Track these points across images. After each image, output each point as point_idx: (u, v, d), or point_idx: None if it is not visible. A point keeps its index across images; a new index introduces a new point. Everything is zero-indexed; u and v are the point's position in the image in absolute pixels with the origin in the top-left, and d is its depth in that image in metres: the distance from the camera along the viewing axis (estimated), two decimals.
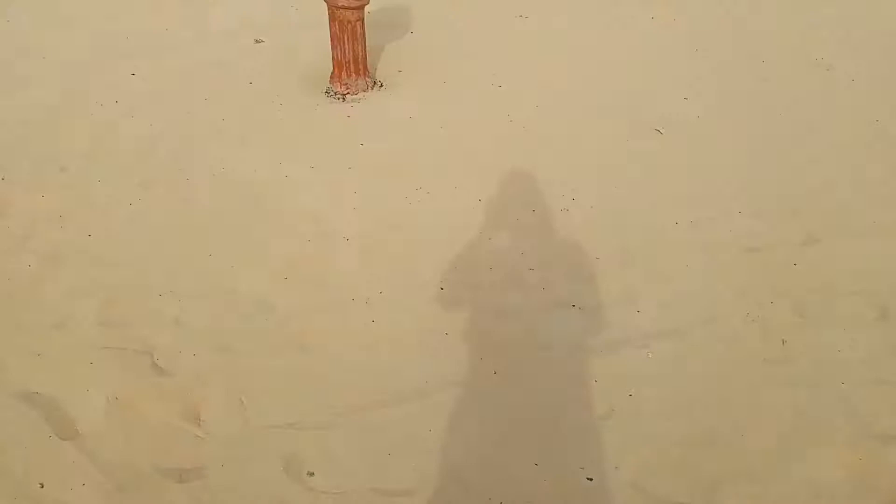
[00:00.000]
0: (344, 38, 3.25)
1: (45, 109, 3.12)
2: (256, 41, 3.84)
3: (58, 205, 2.50)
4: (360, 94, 3.37)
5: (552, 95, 3.36)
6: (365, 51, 3.36)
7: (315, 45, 3.67)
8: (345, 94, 3.36)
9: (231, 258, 2.30)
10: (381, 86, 3.47)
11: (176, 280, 2.20)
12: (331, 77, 3.40)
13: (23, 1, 4.21)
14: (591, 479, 1.69)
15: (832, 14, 4.40)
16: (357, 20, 3.22)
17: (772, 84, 3.51)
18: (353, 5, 3.14)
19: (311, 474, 1.66)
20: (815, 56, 3.79)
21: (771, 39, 4.01)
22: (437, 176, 2.75)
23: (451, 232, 2.46)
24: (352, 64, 3.33)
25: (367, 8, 3.22)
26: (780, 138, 3.06)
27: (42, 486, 1.58)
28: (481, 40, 3.96)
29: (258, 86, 3.37)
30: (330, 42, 3.29)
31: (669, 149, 2.97)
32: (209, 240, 2.37)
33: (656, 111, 3.24)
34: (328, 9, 3.19)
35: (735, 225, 2.54)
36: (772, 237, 2.48)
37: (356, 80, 3.37)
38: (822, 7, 4.50)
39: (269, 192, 2.63)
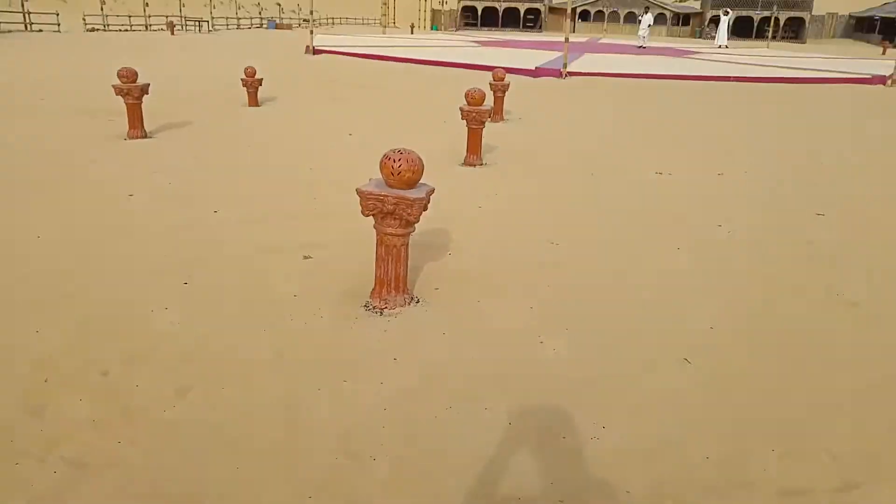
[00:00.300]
0: (388, 259, 3.49)
1: (98, 315, 3.32)
2: (305, 257, 4.14)
3: (93, 409, 2.55)
4: (398, 309, 3.53)
5: (582, 320, 3.47)
6: (406, 270, 3.59)
7: (359, 261, 3.95)
8: (383, 309, 3.52)
9: (258, 475, 2.27)
10: (418, 302, 3.64)
11: (198, 496, 2.16)
12: (372, 292, 3.60)
13: (82, 214, 4.67)
14: None
15: (855, 247, 4.63)
16: (402, 245, 3.48)
17: (797, 322, 3.57)
18: (399, 233, 3.42)
19: None
20: (836, 291, 3.90)
21: (790, 271, 4.18)
22: (468, 396, 2.77)
23: (480, 455, 2.42)
24: (393, 282, 3.54)
25: None
26: (809, 377, 3.05)
27: None
28: (514, 263, 4.21)
29: (302, 299, 3.57)
30: (375, 261, 3.53)
31: (698, 379, 2.97)
32: (238, 454, 2.37)
33: (684, 339, 3.29)
34: (376, 233, 3.46)
35: (768, 464, 2.46)
36: (807, 480, 2.38)
37: (395, 296, 3.56)
38: (845, 243, 4.74)
39: (302, 405, 2.66)
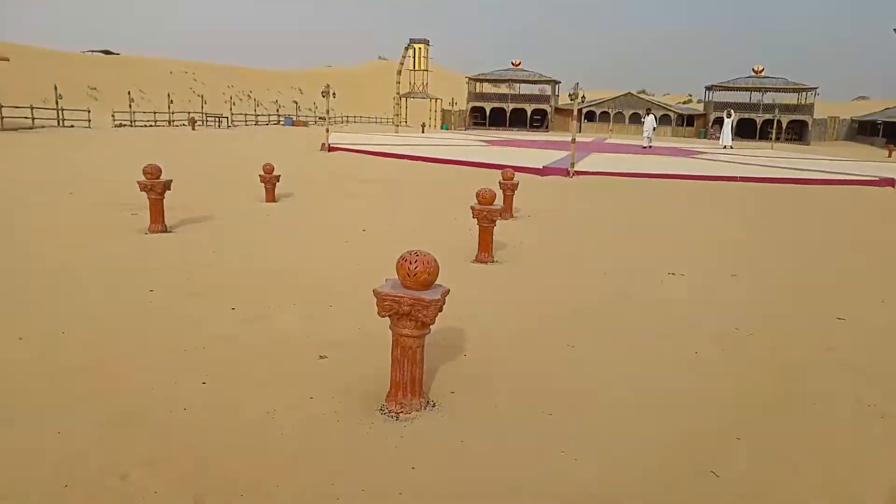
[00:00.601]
0: (404, 361, 3.49)
1: (119, 415, 3.31)
2: (321, 357, 4.15)
3: None
4: (414, 414, 3.48)
5: (603, 428, 3.41)
6: (422, 373, 3.57)
7: (374, 362, 3.94)
8: (399, 413, 3.48)
9: None
10: (434, 406, 3.60)
11: None
12: (387, 395, 3.57)
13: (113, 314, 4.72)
14: None
15: (880, 354, 4.58)
16: (418, 346, 3.49)
17: (827, 433, 3.49)
18: (415, 334, 3.43)
19: None
20: (867, 402, 3.83)
21: (816, 379, 4.12)
22: None
23: None
24: (409, 385, 3.52)
25: None
26: (841, 489, 2.96)
27: None
28: (531, 365, 4.18)
29: (318, 402, 3.54)
30: (390, 363, 3.53)
31: (727, 495, 2.88)
32: None
33: (709, 451, 3.22)
34: (392, 334, 3.48)
35: None
36: None
37: (411, 400, 3.52)
38: (869, 349, 4.69)
39: None
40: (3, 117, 27.26)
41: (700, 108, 67.77)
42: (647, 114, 32.25)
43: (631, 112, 62.26)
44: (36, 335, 4.35)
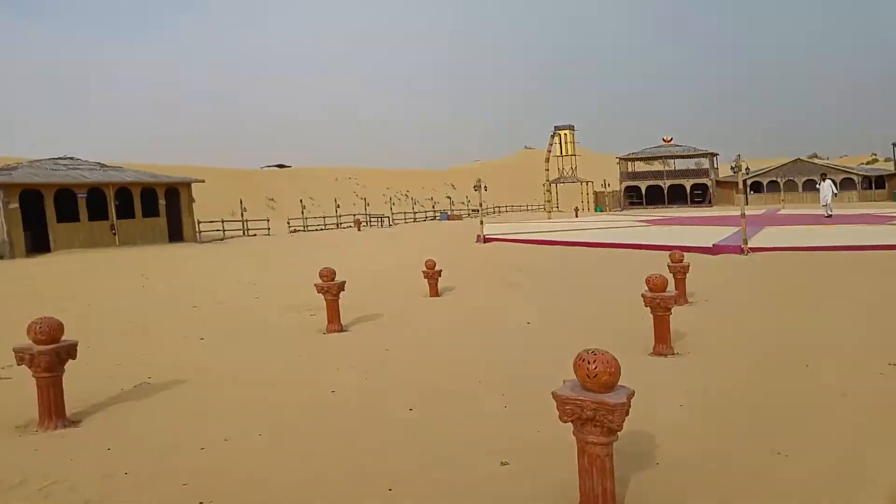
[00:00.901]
0: (592, 471, 3.23)
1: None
2: (502, 463, 3.97)
3: None
4: None
5: None
6: (613, 485, 3.28)
7: (558, 471, 3.70)
8: None
9: None
10: None
11: None
12: None
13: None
14: None
15: None
16: (606, 455, 3.22)
17: None
18: (602, 441, 3.17)
19: None
20: None
21: None
22: None
23: None
24: (600, 498, 3.24)
25: None
26: None
27: None
28: (734, 476, 3.71)
29: None
30: (578, 472, 3.28)
31: None
32: None
33: None
34: (577, 442, 3.25)
35: None
36: None
37: None
38: None
39: None
40: (200, 231, 31.14)
41: (889, 166, 60.97)
42: (823, 179, 29.57)
43: (804, 179, 57.65)
44: (237, 434, 4.62)
